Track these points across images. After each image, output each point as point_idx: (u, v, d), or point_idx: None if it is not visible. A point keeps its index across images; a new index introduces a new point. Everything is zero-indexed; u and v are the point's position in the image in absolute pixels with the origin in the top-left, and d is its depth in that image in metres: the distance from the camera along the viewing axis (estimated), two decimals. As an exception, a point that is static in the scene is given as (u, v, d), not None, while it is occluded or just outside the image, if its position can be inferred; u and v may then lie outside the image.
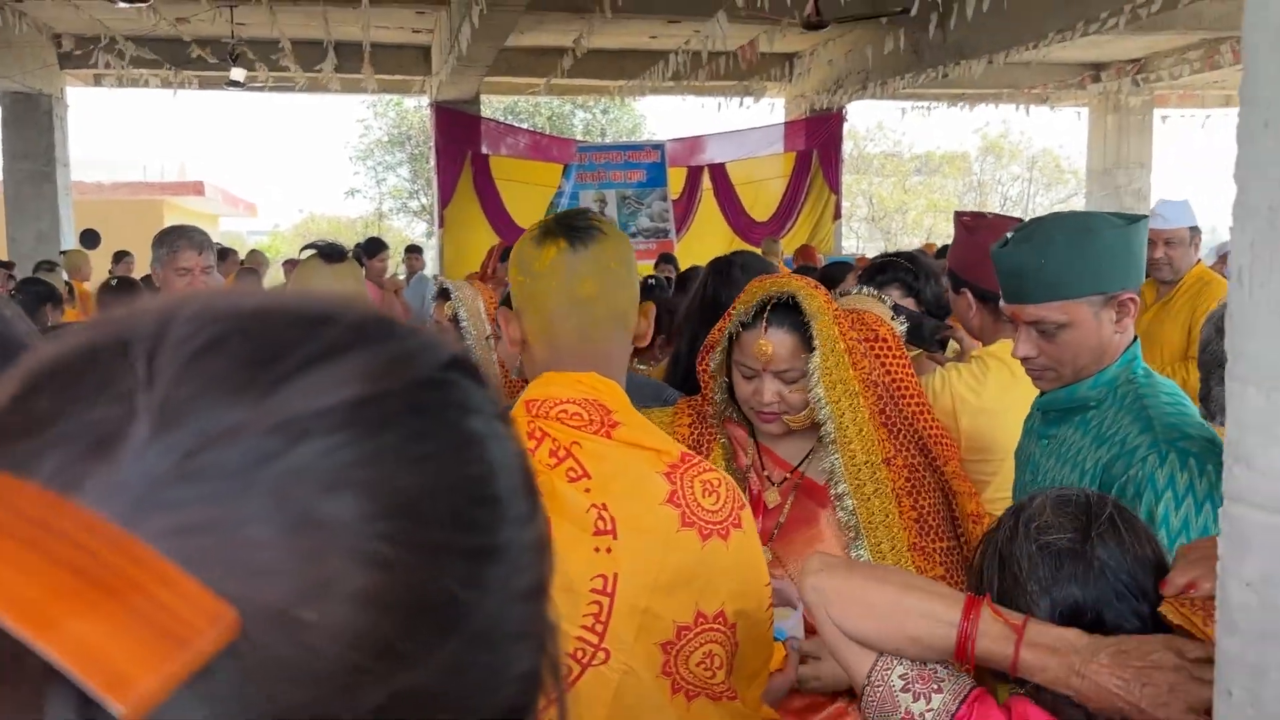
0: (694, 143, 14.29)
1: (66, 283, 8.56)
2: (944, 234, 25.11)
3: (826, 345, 1.82)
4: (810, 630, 1.65)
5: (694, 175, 13.85)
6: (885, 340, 2.00)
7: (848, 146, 16.91)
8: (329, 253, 2.39)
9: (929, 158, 31.88)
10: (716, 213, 13.88)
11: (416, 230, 28.85)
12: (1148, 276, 4.04)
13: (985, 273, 2.24)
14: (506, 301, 3.02)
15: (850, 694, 1.75)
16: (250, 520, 0.35)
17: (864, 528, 1.82)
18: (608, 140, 23.58)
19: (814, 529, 1.89)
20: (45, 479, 0.35)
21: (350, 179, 45.73)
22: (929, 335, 2.82)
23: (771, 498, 1.95)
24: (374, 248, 8.11)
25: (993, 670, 1.17)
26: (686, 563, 1.32)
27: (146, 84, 13.09)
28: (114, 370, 0.38)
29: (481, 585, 0.40)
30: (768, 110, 15.17)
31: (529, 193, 12.76)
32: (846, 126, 15.09)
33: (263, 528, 0.35)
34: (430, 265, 13.31)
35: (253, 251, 11.25)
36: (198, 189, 19.82)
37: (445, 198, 13.13)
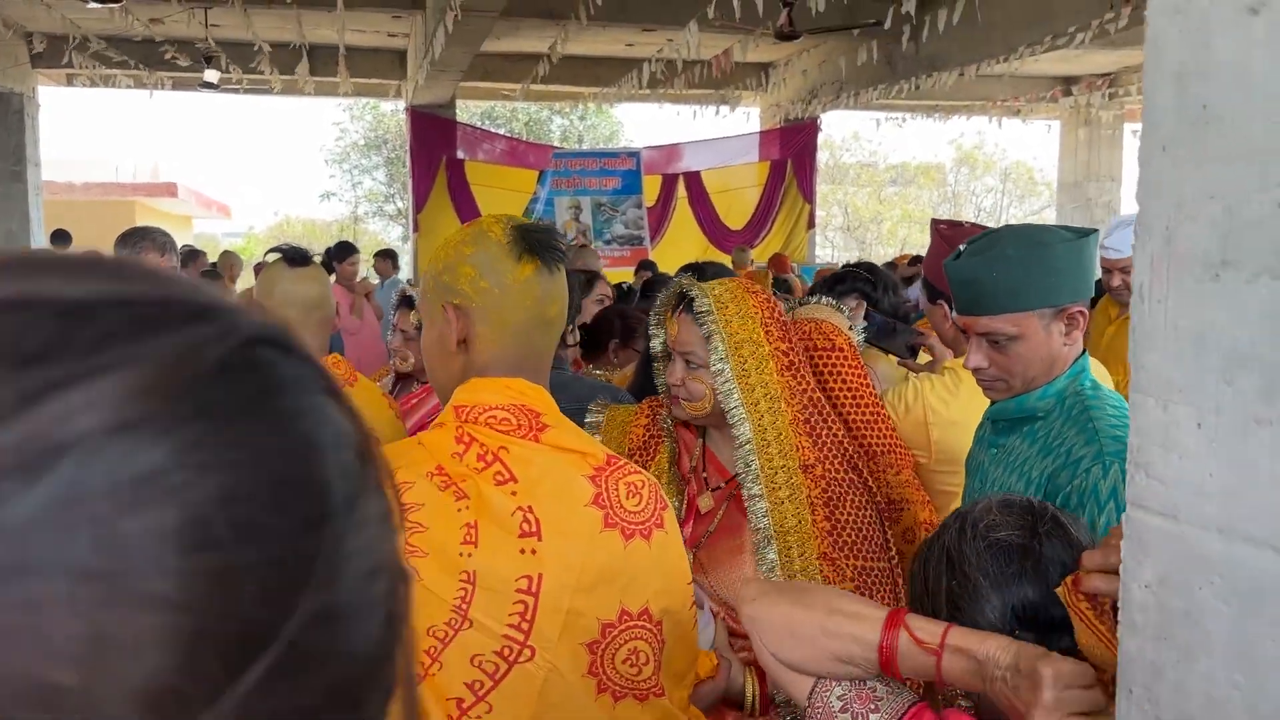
0: (669, 150, 14.35)
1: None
2: (918, 244, 25.28)
3: (739, 345, 1.86)
4: (738, 635, 1.69)
5: (669, 183, 13.90)
6: (842, 349, 2.04)
7: (823, 156, 17.05)
8: (293, 256, 2.39)
9: (904, 168, 32.11)
10: (691, 221, 13.94)
11: (392, 234, 28.77)
12: (1104, 296, 4.11)
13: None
14: (404, 303, 2.96)
15: None
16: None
17: (775, 531, 1.83)
18: (584, 147, 23.63)
19: (738, 539, 1.90)
20: None
21: (326, 182, 45.63)
22: (901, 342, 2.86)
23: (705, 503, 1.97)
24: (344, 251, 8.08)
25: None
26: (610, 562, 1.36)
27: (119, 84, 13.00)
28: None
29: (307, 584, 0.35)
30: (743, 119, 15.26)
31: (504, 198, 12.77)
32: (822, 136, 15.20)
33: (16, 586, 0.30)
34: (405, 270, 13.28)
35: (226, 253, 11.18)
36: (170, 190, 19.68)
37: (420, 202, 13.12)
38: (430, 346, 1.50)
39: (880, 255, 22.56)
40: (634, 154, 13.82)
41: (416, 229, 13.19)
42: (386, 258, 10.55)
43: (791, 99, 13.76)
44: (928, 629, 1.15)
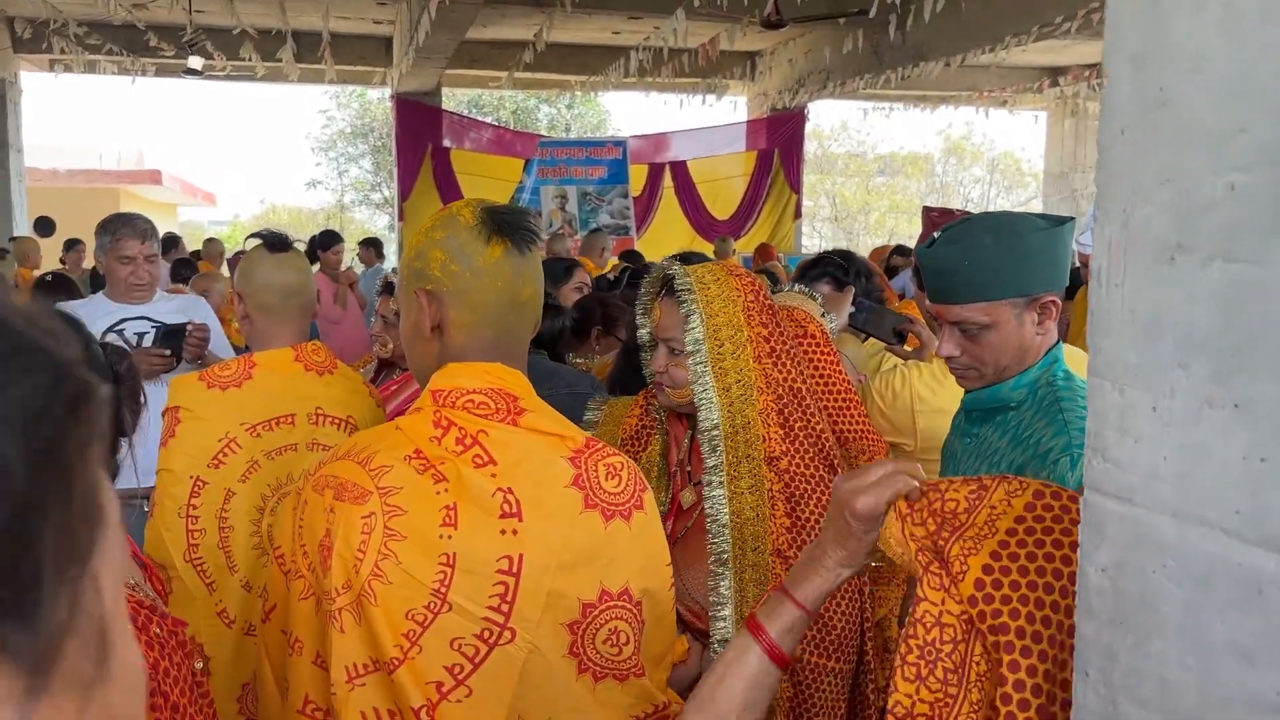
0: (656, 140, 14.32)
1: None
2: (906, 235, 25.33)
3: (717, 329, 1.83)
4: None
5: (655, 173, 13.88)
6: (814, 337, 2.04)
7: (811, 146, 17.04)
8: (273, 242, 2.38)
9: (892, 158, 32.15)
10: (677, 210, 13.92)
11: (379, 223, 28.66)
12: (1083, 287, 4.12)
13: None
14: (387, 290, 2.95)
15: None
16: None
17: (732, 522, 1.80)
18: (571, 135, 23.57)
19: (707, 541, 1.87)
20: None
21: (312, 170, 45.48)
22: (889, 327, 2.87)
23: (686, 498, 1.95)
24: (329, 240, 8.05)
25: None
26: (590, 543, 1.36)
27: (102, 70, 12.90)
28: None
29: None
30: (730, 108, 15.23)
31: (490, 187, 12.72)
32: (810, 126, 15.19)
33: None
34: (391, 259, 13.23)
35: (210, 240, 11.12)
36: (155, 178, 19.58)
37: (405, 191, 13.07)
38: (407, 334, 1.50)
39: (867, 245, 22.58)
40: (620, 143, 13.78)
41: (402, 217, 13.14)
42: (370, 246, 10.51)
43: (778, 88, 13.75)
44: (779, 616, 1.17)
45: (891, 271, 7.97)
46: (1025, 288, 1.81)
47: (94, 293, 3.73)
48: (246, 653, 2.06)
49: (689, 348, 1.82)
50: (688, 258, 3.16)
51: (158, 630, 1.16)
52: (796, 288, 2.19)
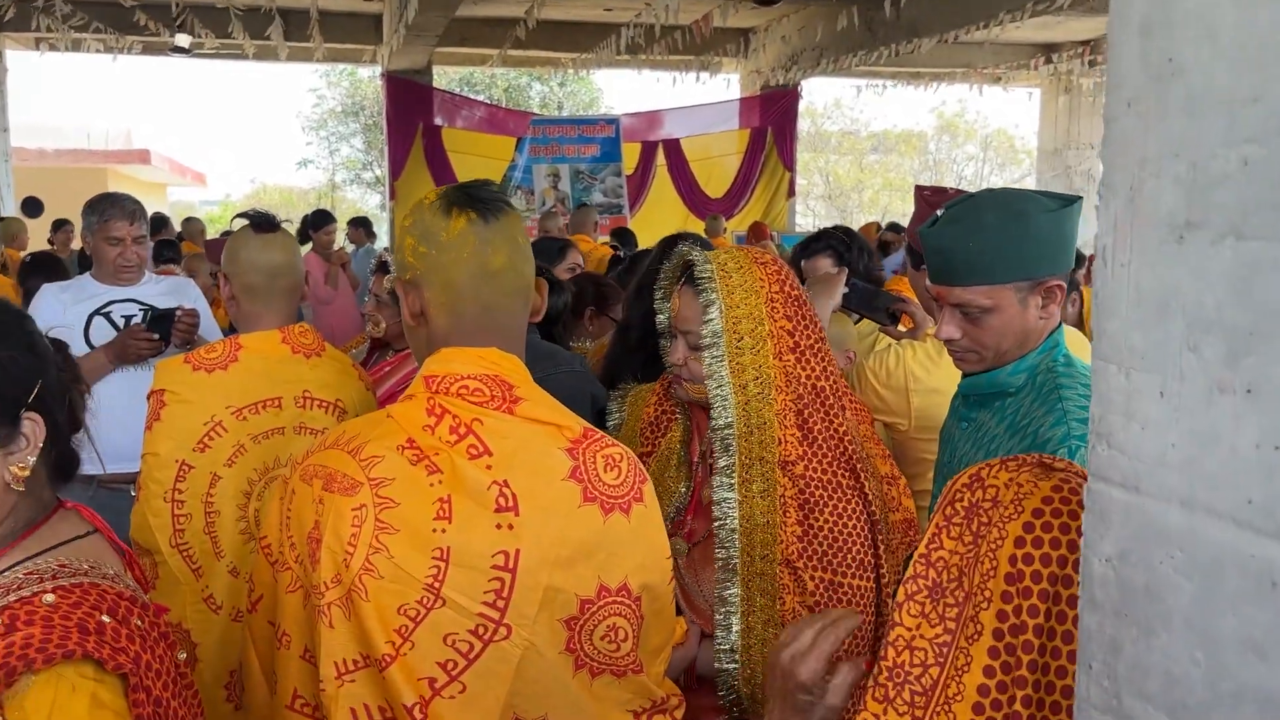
0: (649, 118, 14.23)
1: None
2: (900, 213, 25.26)
3: (737, 321, 1.73)
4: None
5: (648, 151, 13.79)
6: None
7: (804, 124, 16.97)
8: (259, 222, 2.34)
9: (886, 136, 32.03)
10: (670, 189, 13.85)
11: (371, 202, 28.53)
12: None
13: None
14: (380, 269, 2.91)
15: None
16: None
17: (742, 527, 1.71)
18: (564, 114, 23.43)
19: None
20: None
21: (303, 149, 45.21)
22: (882, 308, 2.84)
23: (708, 495, 1.85)
24: (320, 220, 7.98)
25: None
26: (588, 537, 1.32)
27: (89, 49, 12.77)
28: None
29: None
30: (723, 86, 15.15)
31: (482, 165, 12.64)
32: (803, 104, 15.11)
33: None
34: (383, 239, 13.17)
35: (189, 219, 11.03)
36: (143, 157, 19.42)
37: (396, 170, 12.98)
38: (406, 328, 1.48)
39: (861, 223, 22.51)
40: (613, 121, 13.69)
41: (394, 196, 13.06)
42: (359, 226, 10.44)
43: (772, 65, 13.66)
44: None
45: (884, 248, 7.93)
46: (1030, 271, 1.74)
47: (81, 274, 3.68)
48: (234, 639, 2.04)
49: (706, 340, 1.73)
50: (681, 238, 3.11)
51: (139, 622, 1.13)
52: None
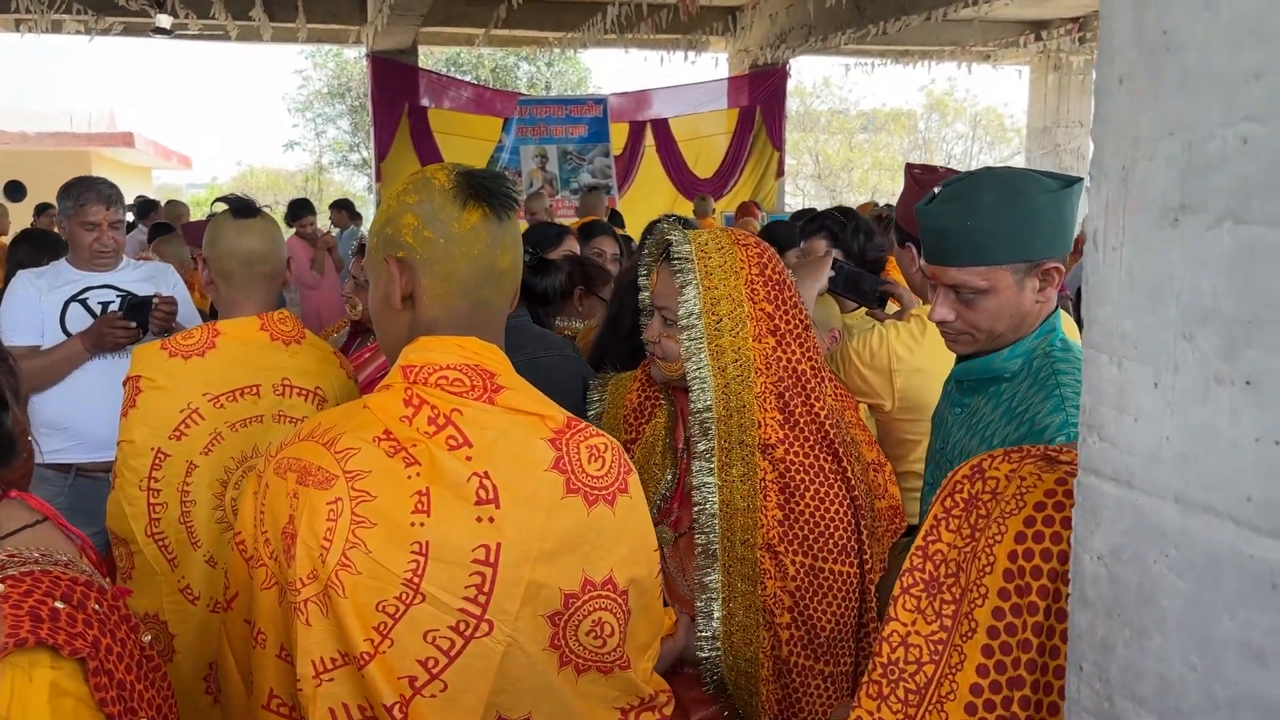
0: (637, 97, 14.14)
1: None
2: (889, 192, 25.25)
3: (716, 302, 1.71)
4: None
5: (636, 131, 13.71)
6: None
7: (793, 103, 16.89)
8: (238, 207, 2.29)
9: (875, 115, 31.96)
10: (659, 169, 13.77)
11: (358, 184, 28.35)
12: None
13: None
14: (361, 251, 2.84)
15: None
16: None
17: (722, 511, 1.69)
18: (551, 94, 23.30)
19: None
20: None
21: (289, 131, 44.93)
22: (868, 290, 2.81)
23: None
24: (298, 211, 7.88)
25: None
26: (572, 530, 1.29)
27: (67, 30, 12.60)
28: None
29: None
30: (711, 65, 15.05)
31: (468, 146, 12.55)
32: (792, 83, 15.01)
33: None
34: (369, 221, 13.08)
35: (171, 202, 10.93)
36: (127, 140, 19.21)
37: (382, 151, 12.87)
38: (376, 305, 1.42)
39: (851, 203, 22.49)
40: (601, 101, 13.60)
41: (380, 178, 12.95)
42: (342, 209, 10.36)
43: (760, 44, 13.58)
44: None
45: (886, 224, 7.89)
46: (1027, 253, 1.69)
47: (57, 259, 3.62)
48: (212, 630, 2.00)
49: (682, 321, 1.71)
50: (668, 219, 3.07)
51: (96, 607, 1.10)
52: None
